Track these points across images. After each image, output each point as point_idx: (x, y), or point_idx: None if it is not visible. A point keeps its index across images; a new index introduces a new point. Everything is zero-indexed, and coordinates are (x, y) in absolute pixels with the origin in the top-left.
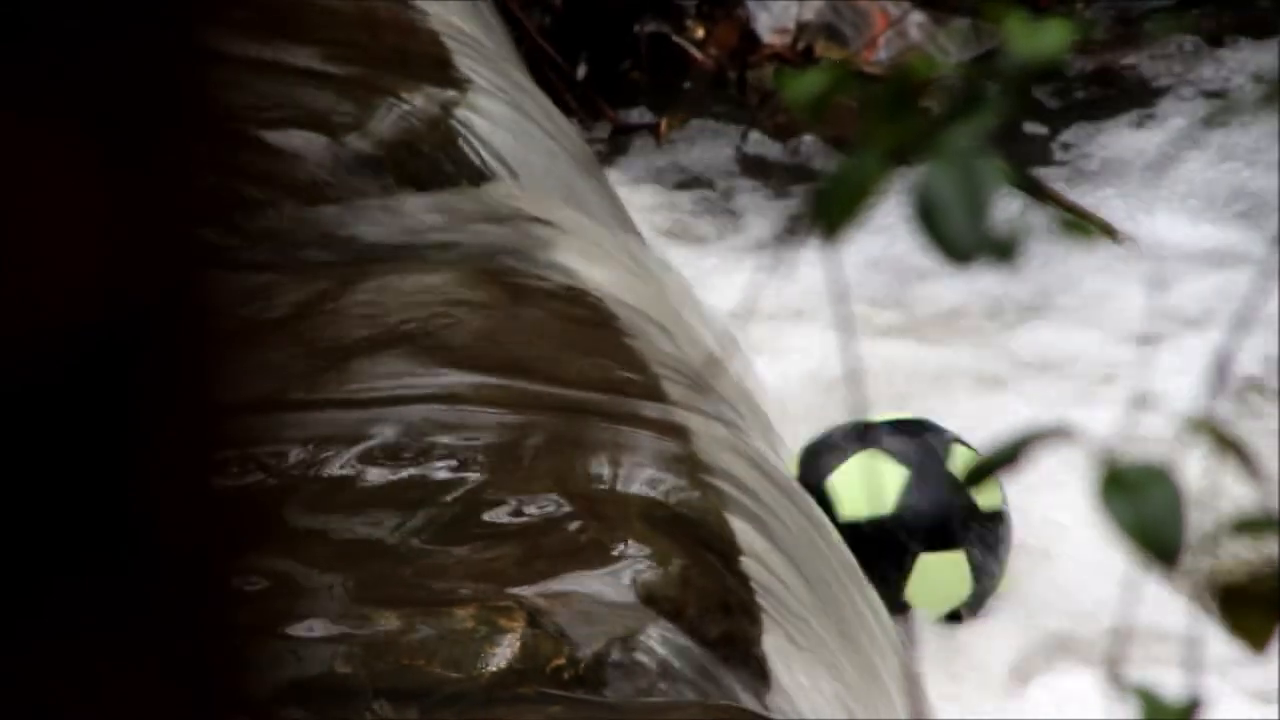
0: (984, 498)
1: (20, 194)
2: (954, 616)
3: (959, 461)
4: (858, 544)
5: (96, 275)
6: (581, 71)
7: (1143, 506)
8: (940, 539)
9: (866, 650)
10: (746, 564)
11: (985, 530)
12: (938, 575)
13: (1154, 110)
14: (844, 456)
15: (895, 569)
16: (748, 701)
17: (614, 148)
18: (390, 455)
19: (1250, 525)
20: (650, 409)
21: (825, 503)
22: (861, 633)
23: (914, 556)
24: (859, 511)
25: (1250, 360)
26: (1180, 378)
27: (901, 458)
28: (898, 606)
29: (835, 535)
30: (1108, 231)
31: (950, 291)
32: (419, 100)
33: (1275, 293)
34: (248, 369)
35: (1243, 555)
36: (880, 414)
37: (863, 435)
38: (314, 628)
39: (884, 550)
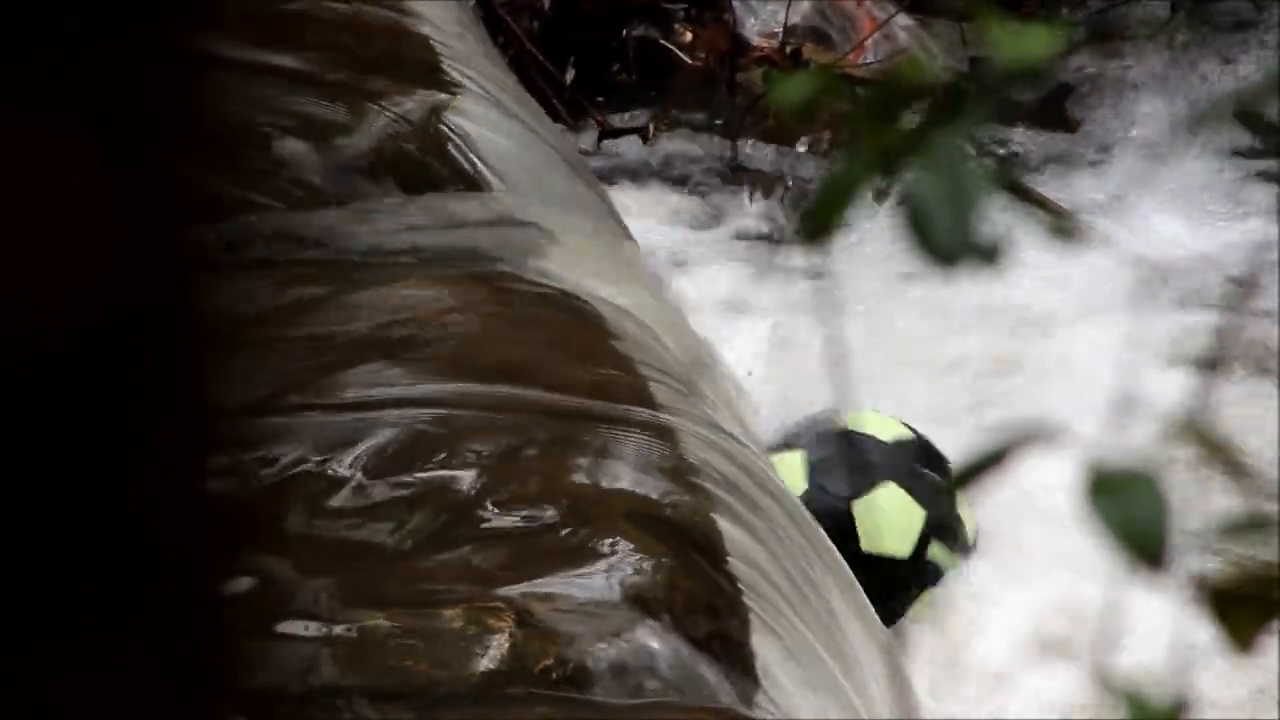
0: (886, 431)
1: (20, 194)
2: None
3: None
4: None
5: (96, 275)
6: (570, 76)
7: (1128, 508)
8: (863, 486)
9: (853, 649)
10: (733, 565)
11: (897, 457)
12: (889, 511)
13: (1138, 111)
14: None
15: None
16: (734, 702)
17: (602, 151)
18: (381, 459)
19: (1239, 526)
20: (638, 412)
21: None
22: (849, 632)
23: (850, 507)
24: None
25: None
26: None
27: (795, 445)
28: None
29: (822, 536)
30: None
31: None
32: (409, 105)
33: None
34: (243, 372)
35: (1231, 555)
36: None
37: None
38: (305, 628)
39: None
